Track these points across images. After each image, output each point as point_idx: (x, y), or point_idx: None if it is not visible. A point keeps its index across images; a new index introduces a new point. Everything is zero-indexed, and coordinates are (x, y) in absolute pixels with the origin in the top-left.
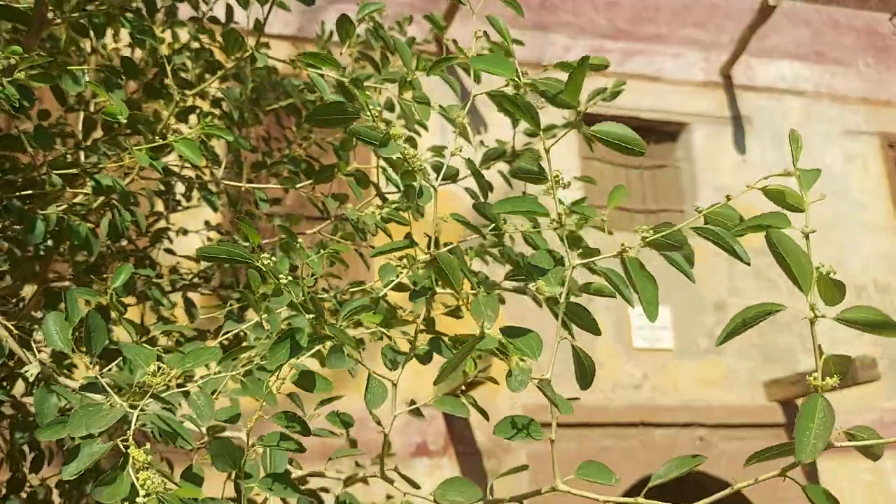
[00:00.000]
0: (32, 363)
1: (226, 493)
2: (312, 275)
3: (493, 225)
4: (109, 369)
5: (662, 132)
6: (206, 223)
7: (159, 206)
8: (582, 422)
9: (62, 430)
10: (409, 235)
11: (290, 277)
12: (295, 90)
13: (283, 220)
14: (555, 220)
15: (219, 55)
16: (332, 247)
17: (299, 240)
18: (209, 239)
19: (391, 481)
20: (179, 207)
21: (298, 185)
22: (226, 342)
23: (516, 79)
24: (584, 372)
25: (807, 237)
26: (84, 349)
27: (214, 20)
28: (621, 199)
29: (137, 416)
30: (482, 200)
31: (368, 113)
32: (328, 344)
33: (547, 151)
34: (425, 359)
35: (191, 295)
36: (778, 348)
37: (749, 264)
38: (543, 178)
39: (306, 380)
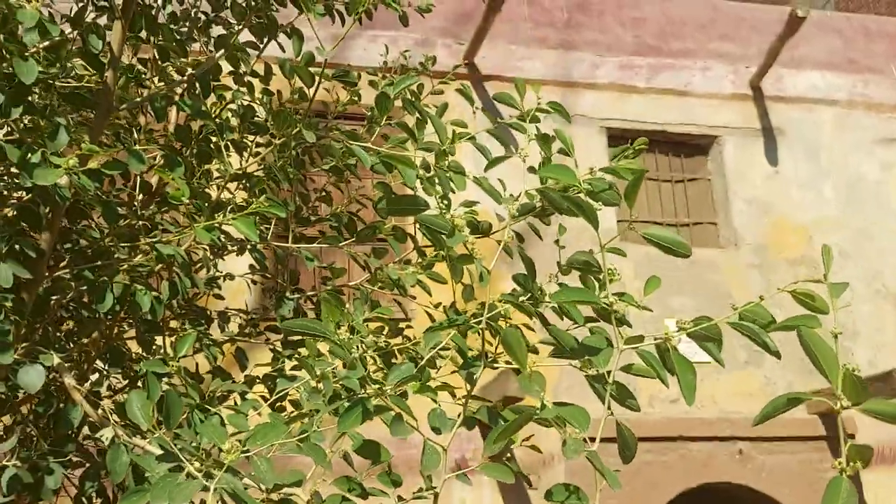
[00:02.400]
0: (107, 428)
1: None
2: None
3: (531, 295)
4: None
5: (693, 146)
6: (251, 267)
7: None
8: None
9: (143, 498)
10: (453, 306)
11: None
12: (338, 153)
13: (327, 273)
14: (607, 308)
15: (259, 108)
16: (380, 310)
17: (346, 305)
18: (254, 282)
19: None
20: (225, 255)
21: (342, 244)
22: (263, 390)
23: (578, 184)
24: (627, 445)
25: (835, 337)
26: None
27: (255, 74)
28: (656, 287)
29: (213, 488)
30: (524, 273)
31: (437, 205)
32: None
33: (602, 248)
34: (471, 424)
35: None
36: None
37: (780, 358)
38: (597, 271)
39: (371, 450)
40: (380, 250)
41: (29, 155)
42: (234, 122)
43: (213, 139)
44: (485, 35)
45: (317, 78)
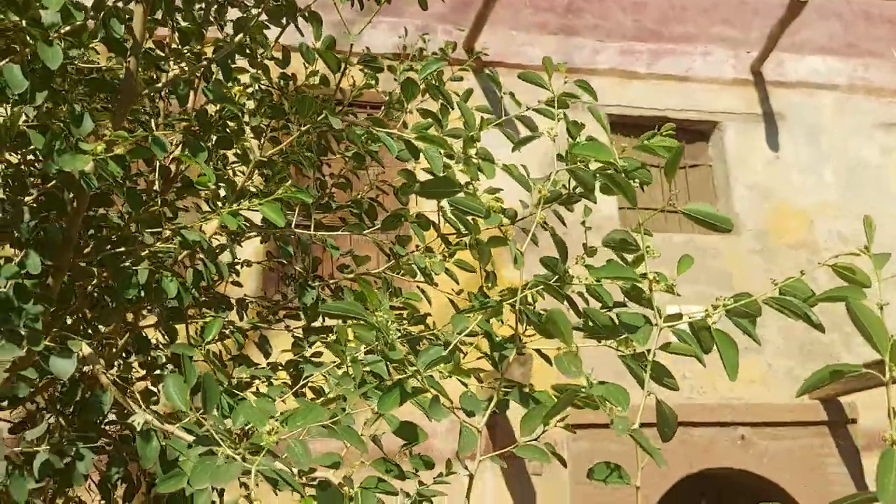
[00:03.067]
0: (138, 413)
1: None
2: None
3: (558, 277)
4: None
5: (694, 131)
6: (268, 254)
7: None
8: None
9: (180, 481)
10: (482, 289)
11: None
12: (358, 139)
13: (344, 261)
14: (638, 287)
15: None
16: (407, 295)
17: (375, 291)
18: (271, 269)
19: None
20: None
21: (366, 231)
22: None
23: (615, 163)
24: (668, 424)
25: (881, 308)
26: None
27: (274, 60)
28: (689, 266)
29: (255, 471)
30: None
31: (470, 187)
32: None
33: (641, 225)
34: (503, 407)
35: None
36: (819, 345)
37: (824, 331)
38: (635, 249)
39: (408, 431)
40: (403, 238)
41: (54, 141)
42: (250, 105)
43: (231, 124)
44: (485, 21)
45: (342, 63)
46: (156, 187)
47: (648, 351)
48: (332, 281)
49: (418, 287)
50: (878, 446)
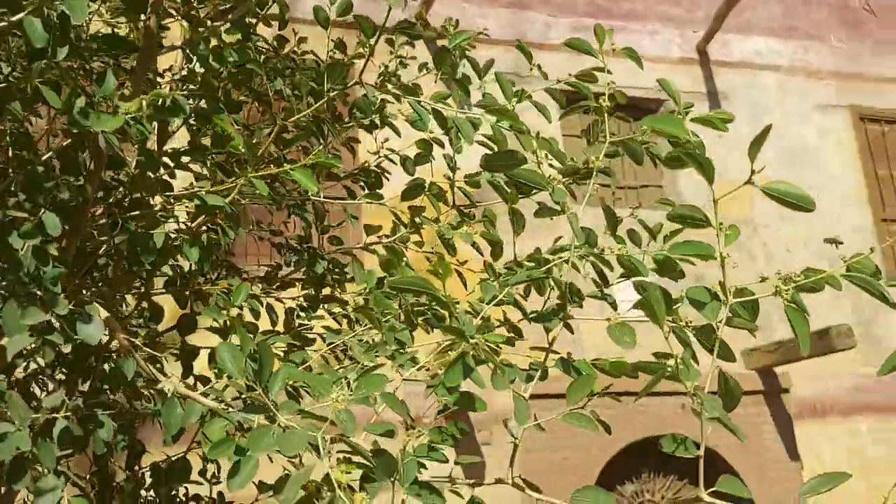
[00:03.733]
0: (167, 379)
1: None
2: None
3: (600, 249)
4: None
5: (641, 109)
6: (258, 222)
7: None
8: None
9: (229, 447)
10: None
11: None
12: (369, 107)
13: (340, 232)
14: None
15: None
16: (435, 264)
17: (405, 259)
18: (260, 238)
19: (522, 488)
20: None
21: (386, 200)
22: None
23: (687, 136)
24: (731, 395)
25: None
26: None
27: (274, 18)
28: (737, 236)
29: (324, 440)
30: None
31: (535, 159)
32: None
33: (715, 202)
34: (543, 375)
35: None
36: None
37: (895, 307)
38: (706, 224)
39: (467, 400)
40: (418, 208)
41: (73, 99)
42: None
43: (242, 89)
44: None
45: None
46: (166, 151)
47: (717, 325)
48: (344, 248)
49: (428, 258)
50: (810, 415)
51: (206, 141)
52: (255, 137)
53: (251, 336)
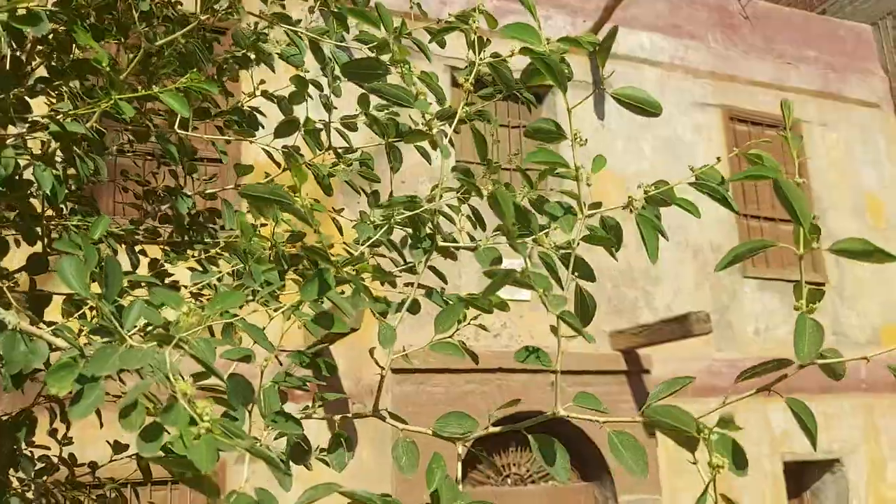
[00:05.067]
0: (9, 311)
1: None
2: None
3: (469, 182)
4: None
5: (530, 92)
6: (152, 174)
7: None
8: (448, 367)
9: (71, 373)
10: (375, 193)
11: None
12: (244, 40)
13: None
14: (574, 172)
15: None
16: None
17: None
18: (155, 190)
19: (383, 418)
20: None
21: (258, 138)
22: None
23: (544, 49)
24: (586, 311)
25: (798, 185)
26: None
27: None
28: (603, 165)
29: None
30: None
31: (399, 72)
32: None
33: (569, 111)
34: (415, 308)
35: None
36: (624, 302)
37: (738, 213)
38: (562, 136)
39: (325, 319)
40: (294, 147)
41: None
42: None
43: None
44: None
45: None
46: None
47: (573, 240)
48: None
49: (315, 200)
50: (691, 393)
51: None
52: (120, 64)
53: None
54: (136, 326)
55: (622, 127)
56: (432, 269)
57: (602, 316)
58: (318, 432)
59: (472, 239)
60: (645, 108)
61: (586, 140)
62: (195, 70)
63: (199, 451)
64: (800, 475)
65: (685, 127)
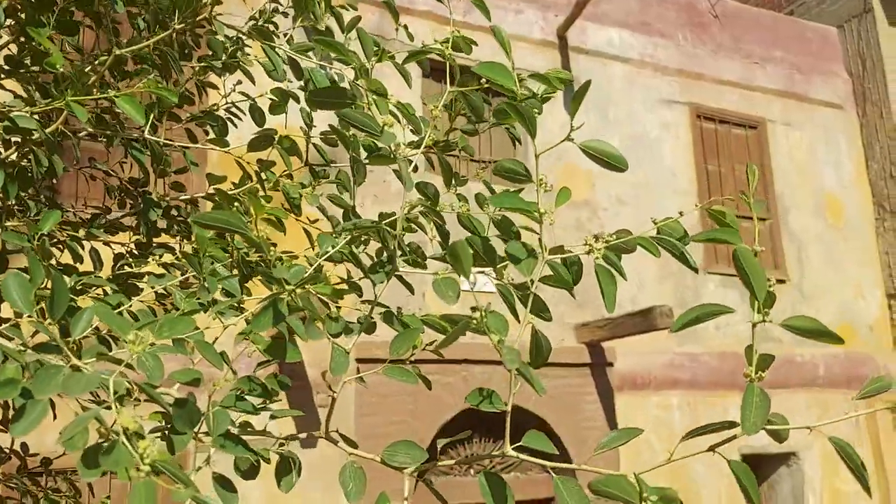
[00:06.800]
0: None
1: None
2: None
3: (431, 202)
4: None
5: (499, 87)
6: (91, 159)
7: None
8: (413, 359)
9: (13, 390)
10: (352, 211)
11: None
12: (220, 47)
13: (184, 179)
14: (540, 217)
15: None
16: (269, 210)
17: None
18: (93, 178)
19: (335, 441)
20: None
21: (231, 148)
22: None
23: (515, 89)
24: (541, 353)
25: (755, 253)
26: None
27: None
28: (567, 199)
29: (115, 381)
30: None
31: (365, 101)
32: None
33: (536, 157)
34: (371, 329)
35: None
36: (589, 295)
37: (697, 271)
38: (529, 180)
39: (278, 348)
40: (267, 162)
41: None
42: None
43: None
44: None
45: None
46: None
47: (532, 282)
48: (168, 198)
49: (277, 219)
50: (629, 387)
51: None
52: (88, 64)
53: (46, 266)
54: (84, 334)
55: (590, 122)
56: (399, 278)
57: (568, 309)
58: (282, 427)
59: (442, 245)
60: (611, 162)
61: (551, 186)
62: (155, 74)
63: (138, 495)
64: (757, 468)
65: (652, 124)
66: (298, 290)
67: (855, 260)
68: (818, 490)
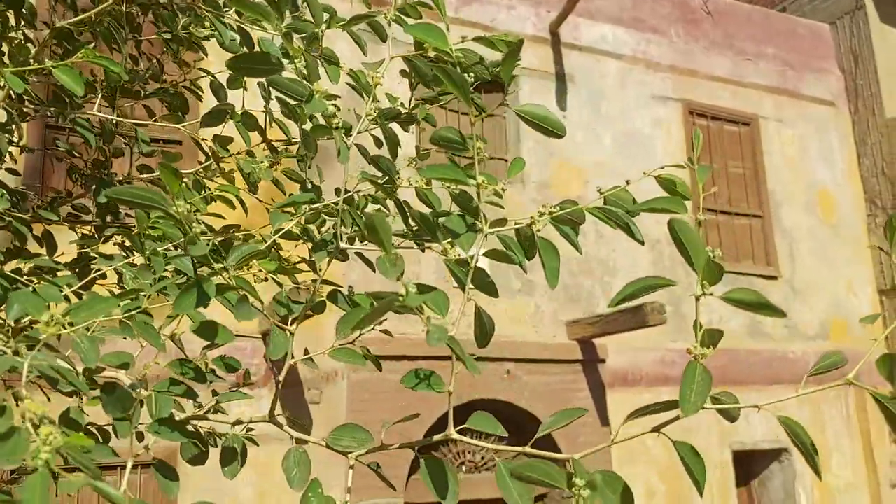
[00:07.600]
0: None
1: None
2: (196, 211)
3: (388, 178)
4: None
5: (491, 82)
6: (54, 139)
7: None
8: (404, 354)
9: None
10: (305, 186)
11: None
12: (171, 18)
13: (160, 158)
14: (466, 193)
15: None
16: (219, 187)
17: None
18: (58, 159)
19: (280, 425)
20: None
21: (184, 125)
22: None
23: (449, 51)
24: (484, 332)
25: (699, 224)
26: None
27: None
28: (520, 168)
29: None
30: (385, 155)
31: (295, 67)
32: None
33: (473, 124)
34: (319, 309)
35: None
36: (581, 291)
37: (643, 243)
38: (465, 148)
39: (208, 330)
40: (223, 138)
41: None
42: None
43: None
44: None
45: None
46: None
47: (471, 257)
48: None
49: (237, 197)
50: (621, 384)
51: None
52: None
53: None
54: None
55: (583, 119)
56: (359, 255)
57: (559, 305)
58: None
59: (406, 223)
60: (548, 127)
61: (489, 156)
62: (93, 46)
63: (31, 489)
64: (748, 464)
65: (644, 120)
66: (232, 269)
67: (847, 256)
68: (809, 486)
